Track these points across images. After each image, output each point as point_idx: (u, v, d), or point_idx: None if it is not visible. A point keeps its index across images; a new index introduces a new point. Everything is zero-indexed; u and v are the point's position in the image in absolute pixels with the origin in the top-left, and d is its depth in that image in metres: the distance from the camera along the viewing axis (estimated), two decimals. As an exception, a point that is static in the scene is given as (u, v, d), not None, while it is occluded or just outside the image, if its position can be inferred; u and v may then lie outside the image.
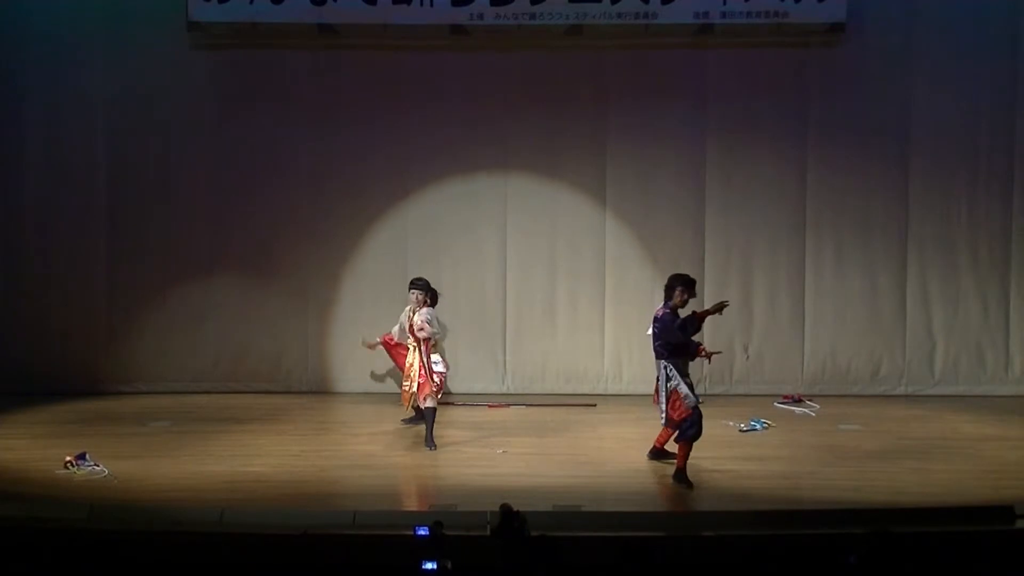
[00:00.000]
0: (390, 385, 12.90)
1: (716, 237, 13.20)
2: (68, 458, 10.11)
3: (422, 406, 10.87)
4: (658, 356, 9.92)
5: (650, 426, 11.88)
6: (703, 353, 10.08)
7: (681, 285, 9.88)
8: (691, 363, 10.09)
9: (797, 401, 12.73)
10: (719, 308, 9.73)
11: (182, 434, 11.45)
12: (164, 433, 11.53)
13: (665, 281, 10.11)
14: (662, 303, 9.98)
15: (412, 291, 11.12)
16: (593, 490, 9.70)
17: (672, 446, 10.09)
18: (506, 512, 7.10)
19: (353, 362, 13.27)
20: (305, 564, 7.39)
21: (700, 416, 9.84)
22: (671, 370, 9.83)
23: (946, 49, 12.95)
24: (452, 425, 11.64)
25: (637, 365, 13.25)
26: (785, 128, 13.10)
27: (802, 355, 13.26)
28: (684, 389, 9.81)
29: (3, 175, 13.21)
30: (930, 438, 11.40)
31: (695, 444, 9.81)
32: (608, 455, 10.81)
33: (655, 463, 10.36)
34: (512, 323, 13.35)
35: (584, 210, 13.24)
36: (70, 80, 13.09)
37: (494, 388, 13.29)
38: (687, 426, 9.83)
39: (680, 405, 9.81)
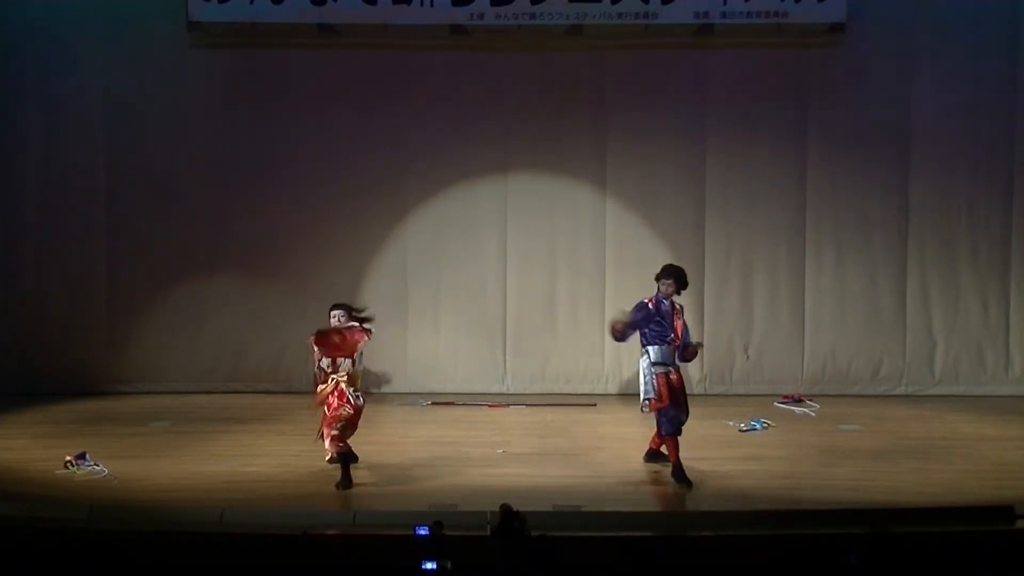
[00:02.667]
0: (390, 385, 12.91)
1: (716, 237, 13.21)
2: (68, 458, 10.11)
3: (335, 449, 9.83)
4: (642, 344, 10.03)
5: (650, 426, 11.89)
6: (687, 352, 10.09)
7: (671, 278, 10.06)
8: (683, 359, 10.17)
9: (797, 401, 12.73)
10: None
11: (182, 434, 11.45)
12: (164, 433, 11.53)
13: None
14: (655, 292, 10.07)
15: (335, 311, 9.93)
16: (593, 490, 9.70)
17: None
18: (506, 512, 7.10)
19: (353, 362, 13.27)
20: (305, 564, 7.39)
21: (674, 411, 9.89)
22: (652, 357, 9.95)
23: (946, 49, 12.96)
24: (452, 425, 11.64)
25: (637, 365, 13.23)
26: (785, 128, 13.10)
27: (802, 355, 13.26)
28: (663, 374, 9.94)
29: (3, 175, 13.21)
30: (930, 438, 11.40)
31: (692, 442, 9.81)
32: (608, 455, 10.80)
33: (653, 463, 10.36)
34: (512, 323, 13.34)
35: (584, 210, 13.24)
36: (70, 80, 13.09)
37: (494, 388, 13.29)
38: (663, 421, 9.94)
39: (661, 392, 9.88)
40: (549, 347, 13.35)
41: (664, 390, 9.92)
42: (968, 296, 13.18)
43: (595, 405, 12.79)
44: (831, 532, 8.24)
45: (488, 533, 7.91)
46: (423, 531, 7.22)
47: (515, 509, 7.12)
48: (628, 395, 13.10)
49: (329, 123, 13.14)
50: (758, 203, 13.19)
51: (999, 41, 12.96)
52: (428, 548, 6.86)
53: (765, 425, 11.71)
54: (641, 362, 10.04)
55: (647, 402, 9.98)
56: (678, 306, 10.17)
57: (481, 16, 12.70)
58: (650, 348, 9.99)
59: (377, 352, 13.11)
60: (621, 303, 13.14)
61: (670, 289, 10.05)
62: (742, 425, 11.66)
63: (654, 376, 9.94)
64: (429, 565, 6.53)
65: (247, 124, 13.17)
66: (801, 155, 13.12)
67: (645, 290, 13.09)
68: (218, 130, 13.17)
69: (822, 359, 13.24)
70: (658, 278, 10.13)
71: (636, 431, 11.61)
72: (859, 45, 12.89)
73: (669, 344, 9.98)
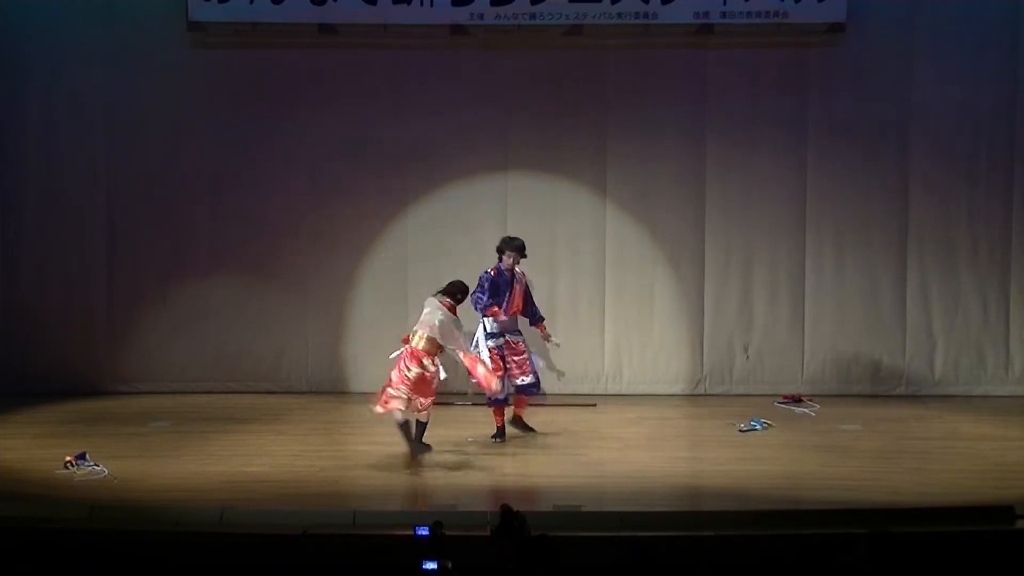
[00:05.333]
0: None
1: (716, 237, 13.20)
2: (68, 458, 10.10)
3: (421, 418, 10.58)
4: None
5: (650, 426, 11.94)
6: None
7: (511, 250, 11.09)
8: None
9: (797, 401, 12.71)
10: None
11: (182, 434, 11.45)
12: (164, 433, 11.53)
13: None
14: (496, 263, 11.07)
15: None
16: (593, 490, 9.71)
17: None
18: (506, 512, 7.10)
19: (354, 362, 13.28)
20: (305, 564, 7.40)
21: (506, 380, 10.90)
22: (488, 328, 10.98)
23: (946, 49, 12.94)
24: (452, 425, 11.63)
25: (637, 365, 13.26)
26: (785, 128, 13.09)
27: (802, 355, 13.25)
28: (485, 353, 10.86)
29: (3, 175, 13.20)
30: (930, 438, 11.40)
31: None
32: (608, 455, 10.81)
33: (653, 463, 10.37)
34: (512, 323, 13.32)
35: (584, 210, 13.24)
36: (69, 80, 13.08)
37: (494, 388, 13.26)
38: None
39: (496, 365, 10.82)
40: (549, 347, 13.32)
41: (497, 363, 10.86)
42: (968, 296, 13.17)
43: (595, 405, 12.78)
44: (831, 532, 8.24)
45: (488, 533, 7.91)
46: (423, 531, 7.22)
47: (515, 509, 7.11)
48: (628, 395, 13.13)
49: (329, 123, 13.14)
50: (758, 203, 13.18)
51: (999, 40, 12.95)
52: (428, 548, 6.86)
53: (765, 425, 11.70)
54: (477, 331, 11.05)
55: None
56: (519, 274, 11.21)
57: (481, 16, 12.70)
58: (486, 319, 10.95)
59: (377, 352, 13.15)
60: (621, 303, 13.27)
61: (511, 260, 11.08)
62: (742, 425, 11.65)
63: (488, 349, 10.89)
64: (429, 565, 6.53)
65: (247, 123, 13.16)
66: (801, 155, 13.10)
67: (645, 290, 13.23)
68: (218, 129, 13.16)
69: (822, 359, 13.23)
70: (500, 250, 11.15)
71: (636, 431, 11.65)
72: (859, 45, 12.88)
73: (506, 314, 10.96)
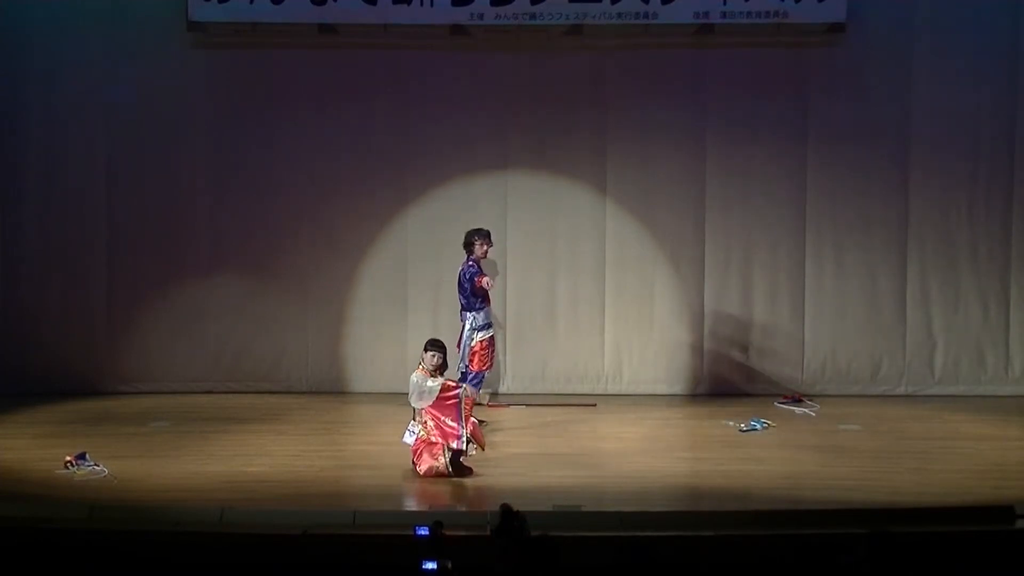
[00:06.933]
0: (390, 385, 12.88)
1: (716, 237, 13.20)
2: (68, 458, 10.11)
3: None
4: (465, 309, 11.49)
5: (650, 426, 11.95)
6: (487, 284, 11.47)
7: (479, 238, 11.54)
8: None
9: (797, 401, 12.72)
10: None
11: (182, 434, 11.45)
12: (164, 433, 11.53)
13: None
14: (465, 259, 11.55)
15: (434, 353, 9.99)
16: (593, 490, 9.70)
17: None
18: (506, 512, 7.10)
19: (354, 362, 13.28)
20: (305, 564, 7.40)
21: (486, 373, 11.54)
22: (477, 321, 11.45)
23: (946, 49, 12.94)
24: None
25: (637, 365, 13.25)
26: (785, 128, 13.09)
27: (802, 355, 13.25)
28: (489, 338, 11.50)
29: (3, 175, 13.20)
30: (930, 438, 11.40)
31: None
32: (608, 455, 10.81)
33: (653, 463, 10.37)
34: (512, 323, 13.33)
35: (584, 210, 13.23)
36: (69, 80, 13.08)
37: (494, 388, 13.29)
38: (474, 381, 11.14)
39: (484, 356, 11.44)
40: (549, 347, 13.35)
41: (490, 355, 11.61)
42: (968, 296, 13.16)
43: (595, 405, 12.78)
44: (831, 532, 8.24)
45: (488, 533, 7.91)
46: (423, 531, 7.23)
47: (515, 509, 7.12)
48: (628, 395, 13.13)
49: (329, 123, 13.14)
50: (758, 203, 13.18)
51: (999, 41, 12.95)
52: (428, 548, 6.87)
53: (765, 425, 11.70)
54: (467, 326, 11.52)
55: (466, 365, 11.40)
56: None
57: (481, 16, 12.70)
58: (478, 312, 11.51)
59: (377, 352, 13.18)
60: (621, 303, 13.27)
61: (485, 248, 11.60)
62: (742, 425, 11.65)
63: (480, 341, 11.44)
64: (429, 565, 6.54)
65: (247, 124, 13.16)
66: (801, 155, 13.11)
67: (645, 290, 13.22)
68: (218, 130, 13.16)
69: (822, 359, 13.23)
70: (468, 244, 11.56)
71: (636, 431, 11.65)
72: (859, 45, 12.88)
73: (488, 304, 11.61)
